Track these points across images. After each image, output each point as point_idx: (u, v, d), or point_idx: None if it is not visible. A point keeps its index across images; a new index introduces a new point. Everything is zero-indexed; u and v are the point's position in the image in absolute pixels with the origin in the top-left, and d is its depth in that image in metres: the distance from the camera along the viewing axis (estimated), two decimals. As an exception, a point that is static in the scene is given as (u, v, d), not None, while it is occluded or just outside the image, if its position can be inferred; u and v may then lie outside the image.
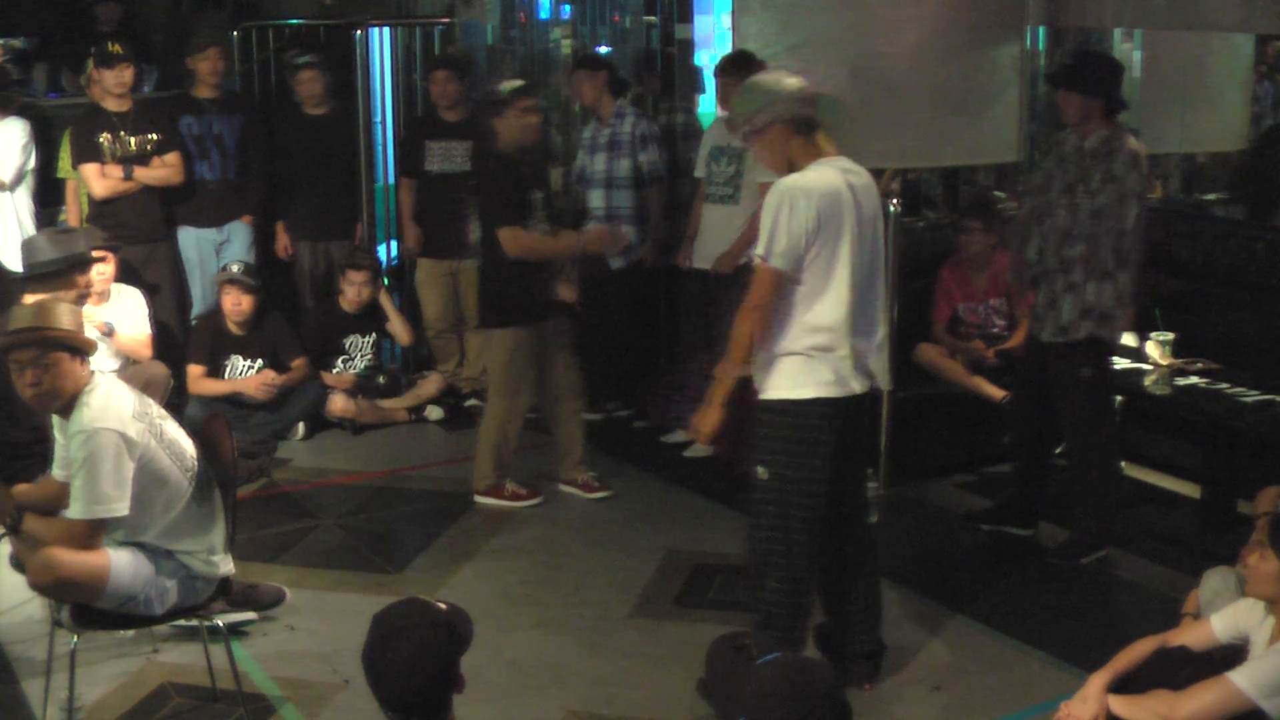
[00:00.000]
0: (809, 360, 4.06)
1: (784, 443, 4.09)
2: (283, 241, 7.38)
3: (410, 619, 2.84)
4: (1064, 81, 5.19)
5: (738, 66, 5.75)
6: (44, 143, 6.94)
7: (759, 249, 4.04)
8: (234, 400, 6.72)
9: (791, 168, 4.07)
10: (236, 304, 6.70)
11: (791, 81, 4.09)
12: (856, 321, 4.07)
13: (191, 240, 7.11)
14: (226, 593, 4.35)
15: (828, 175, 4.05)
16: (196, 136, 7.02)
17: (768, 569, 4.15)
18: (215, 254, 7.13)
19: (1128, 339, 5.97)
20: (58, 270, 5.58)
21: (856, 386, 4.09)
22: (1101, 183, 5.02)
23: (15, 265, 6.62)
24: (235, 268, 6.74)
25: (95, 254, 5.99)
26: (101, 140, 6.71)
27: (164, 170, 6.83)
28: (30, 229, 6.64)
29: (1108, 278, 5.05)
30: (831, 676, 2.56)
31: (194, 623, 4.40)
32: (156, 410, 4.10)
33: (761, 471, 4.13)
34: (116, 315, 6.41)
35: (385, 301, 7.17)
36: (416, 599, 3.00)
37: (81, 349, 3.97)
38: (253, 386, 6.70)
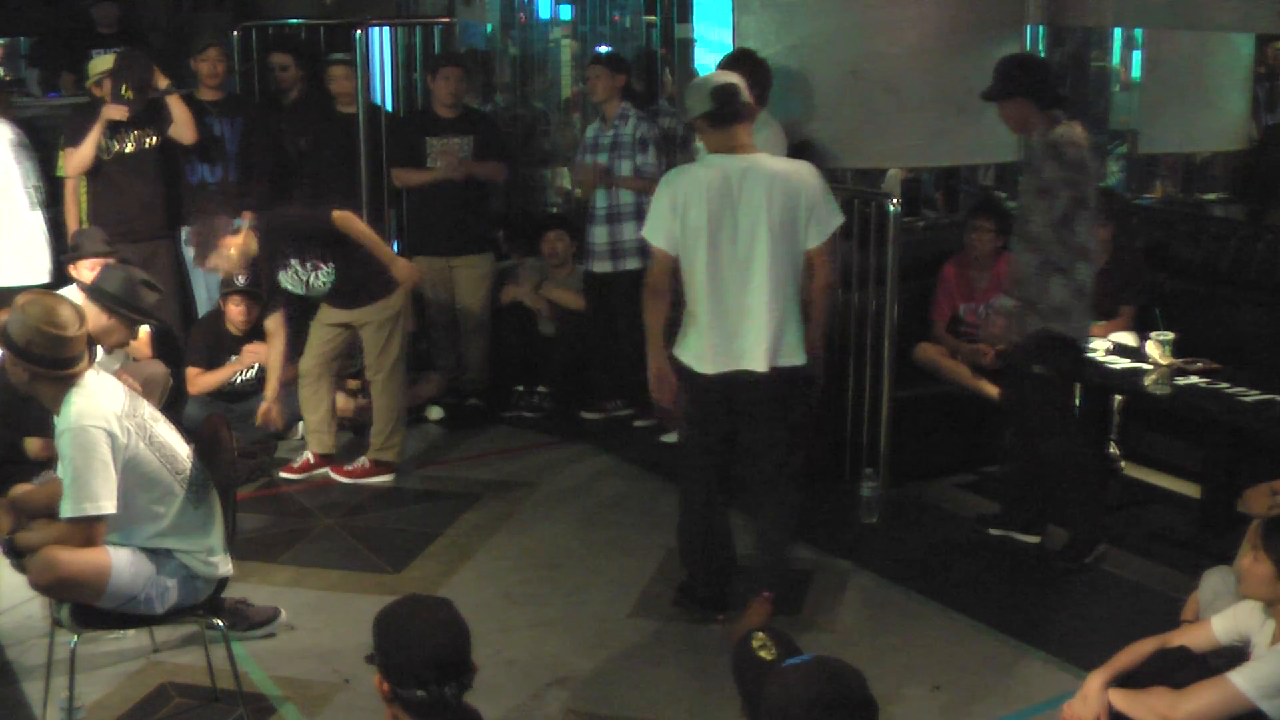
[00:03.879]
0: (685, 328, 4.60)
1: (681, 392, 4.71)
2: None
3: (421, 598, 2.88)
4: (990, 96, 5.13)
5: (738, 66, 5.74)
6: (42, 144, 6.92)
7: (645, 232, 4.62)
8: (234, 400, 6.72)
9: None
10: (247, 314, 6.69)
11: (717, 80, 4.57)
12: (719, 305, 4.47)
13: None
14: (222, 600, 4.33)
15: (710, 166, 4.49)
16: (198, 138, 7.00)
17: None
18: None
19: (1128, 338, 5.98)
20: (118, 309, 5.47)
21: (713, 366, 4.52)
22: (1029, 176, 5.04)
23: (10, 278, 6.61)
24: (242, 278, 6.71)
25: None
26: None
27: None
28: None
29: (1056, 270, 5.00)
30: (861, 678, 2.49)
31: (196, 628, 4.41)
32: (149, 411, 4.08)
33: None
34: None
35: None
36: (411, 594, 3.00)
37: (49, 377, 3.88)
38: (247, 362, 6.70)
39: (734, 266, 4.46)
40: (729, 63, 5.92)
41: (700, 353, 4.55)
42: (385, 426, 6.27)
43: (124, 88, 6.67)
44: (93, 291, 5.40)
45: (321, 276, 5.97)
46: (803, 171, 4.57)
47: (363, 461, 6.32)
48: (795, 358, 4.58)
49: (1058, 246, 4.98)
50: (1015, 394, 5.36)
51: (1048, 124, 5.01)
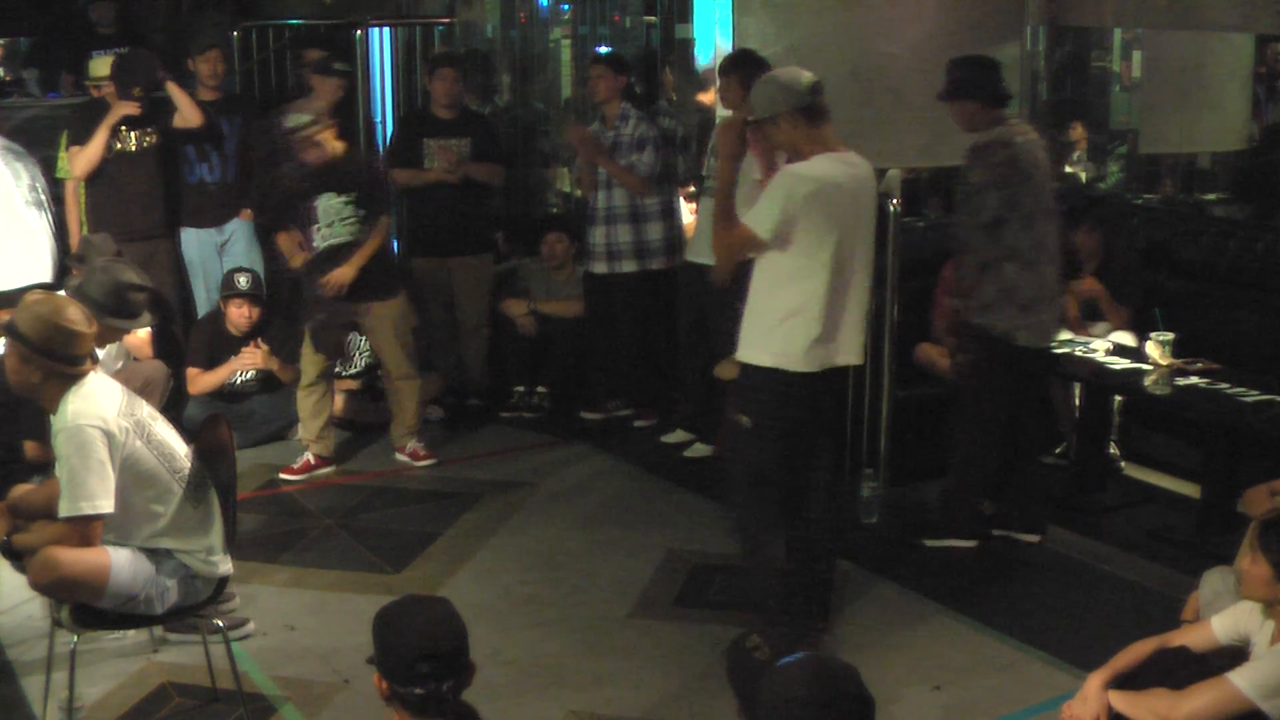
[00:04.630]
0: (778, 331, 4.38)
1: (752, 403, 4.48)
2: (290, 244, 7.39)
3: (421, 597, 2.89)
4: (942, 96, 5.23)
5: (739, 66, 5.76)
6: (42, 144, 6.92)
7: (749, 218, 4.36)
8: (234, 400, 6.72)
9: (797, 155, 4.37)
10: (247, 316, 6.69)
11: (806, 75, 4.40)
12: (833, 303, 4.39)
13: (193, 241, 7.10)
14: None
15: (830, 167, 4.35)
16: (196, 138, 7.00)
17: (736, 506, 4.66)
18: (217, 254, 7.12)
19: (1127, 339, 5.98)
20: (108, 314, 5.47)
21: (818, 364, 4.40)
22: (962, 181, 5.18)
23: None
24: (243, 281, 6.70)
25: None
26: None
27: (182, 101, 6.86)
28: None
29: (987, 267, 5.10)
30: (856, 675, 2.49)
31: (195, 636, 4.42)
32: (147, 411, 4.07)
33: (743, 420, 4.50)
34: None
35: None
36: (412, 594, 3.01)
37: (58, 373, 3.89)
38: (245, 363, 6.71)
39: (848, 265, 4.42)
40: (730, 64, 5.92)
41: (803, 352, 4.38)
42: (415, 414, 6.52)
43: (135, 90, 6.67)
44: (77, 295, 5.39)
45: (342, 228, 6.06)
46: (870, 167, 4.60)
47: (414, 447, 6.51)
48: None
49: (987, 246, 5.09)
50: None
51: (991, 125, 5.11)
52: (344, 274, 6.07)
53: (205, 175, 7.06)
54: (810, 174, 4.34)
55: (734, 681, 2.86)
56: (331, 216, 6.07)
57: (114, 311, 5.30)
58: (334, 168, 6.08)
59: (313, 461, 6.31)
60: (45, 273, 6.58)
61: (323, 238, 6.09)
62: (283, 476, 6.26)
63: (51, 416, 3.95)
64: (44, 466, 5.29)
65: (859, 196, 4.44)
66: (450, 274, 7.14)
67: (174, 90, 6.81)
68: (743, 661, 2.85)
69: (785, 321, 4.38)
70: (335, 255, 6.10)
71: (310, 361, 6.27)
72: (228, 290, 6.71)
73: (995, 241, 5.06)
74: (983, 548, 5.45)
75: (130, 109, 6.67)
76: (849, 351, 4.53)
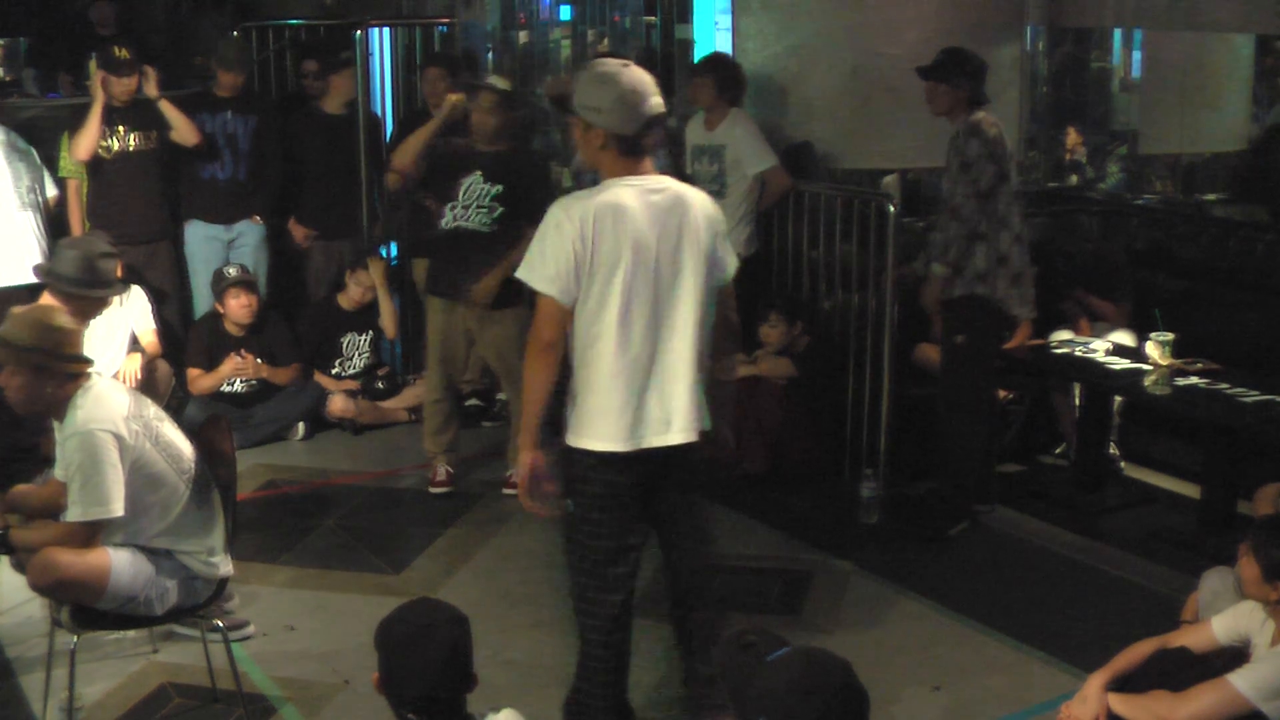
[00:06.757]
0: (588, 406, 3.67)
1: (572, 489, 3.76)
2: (300, 233, 7.38)
3: (433, 616, 2.84)
4: (931, 74, 5.37)
5: (714, 68, 5.82)
6: (42, 144, 6.91)
7: (521, 273, 3.60)
8: (234, 400, 6.72)
9: (596, 172, 3.69)
10: (247, 305, 6.69)
11: (654, 101, 3.59)
12: (653, 360, 3.62)
13: (199, 236, 7.08)
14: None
15: (619, 195, 3.57)
16: (209, 135, 6.99)
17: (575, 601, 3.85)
18: (223, 251, 7.10)
19: (1127, 339, 5.98)
20: (83, 294, 5.48)
21: (648, 441, 3.64)
22: (954, 156, 5.31)
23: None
24: (232, 271, 6.71)
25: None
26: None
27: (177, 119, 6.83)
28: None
29: (979, 239, 5.30)
30: (846, 667, 2.49)
31: (195, 631, 4.42)
32: (154, 412, 4.09)
33: (569, 505, 3.79)
34: (125, 316, 6.40)
35: (381, 295, 7.13)
36: (425, 598, 2.99)
37: (57, 372, 3.89)
38: (233, 365, 6.71)
39: (665, 312, 3.63)
40: (706, 65, 6.01)
41: (623, 430, 3.66)
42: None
43: (117, 49, 6.67)
44: (48, 277, 5.38)
45: (477, 216, 5.70)
46: (692, 194, 3.76)
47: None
48: (706, 420, 3.76)
49: (981, 217, 5.29)
50: (942, 362, 5.66)
51: (969, 112, 5.33)
52: (489, 285, 5.62)
53: (217, 173, 7.05)
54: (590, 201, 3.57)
55: (727, 677, 2.87)
56: (471, 200, 5.72)
57: (88, 283, 5.30)
58: (493, 152, 5.74)
59: (442, 476, 6.12)
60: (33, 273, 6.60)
61: (454, 217, 5.73)
62: (432, 490, 6.09)
63: (57, 422, 3.96)
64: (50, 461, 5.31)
65: (665, 225, 3.60)
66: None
67: (168, 109, 6.80)
68: (737, 657, 2.86)
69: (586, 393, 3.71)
70: (457, 239, 5.73)
71: (434, 372, 6.07)
72: (221, 284, 6.71)
73: (987, 212, 5.28)
74: (983, 548, 5.46)
75: (120, 53, 6.62)
76: (679, 425, 3.68)
